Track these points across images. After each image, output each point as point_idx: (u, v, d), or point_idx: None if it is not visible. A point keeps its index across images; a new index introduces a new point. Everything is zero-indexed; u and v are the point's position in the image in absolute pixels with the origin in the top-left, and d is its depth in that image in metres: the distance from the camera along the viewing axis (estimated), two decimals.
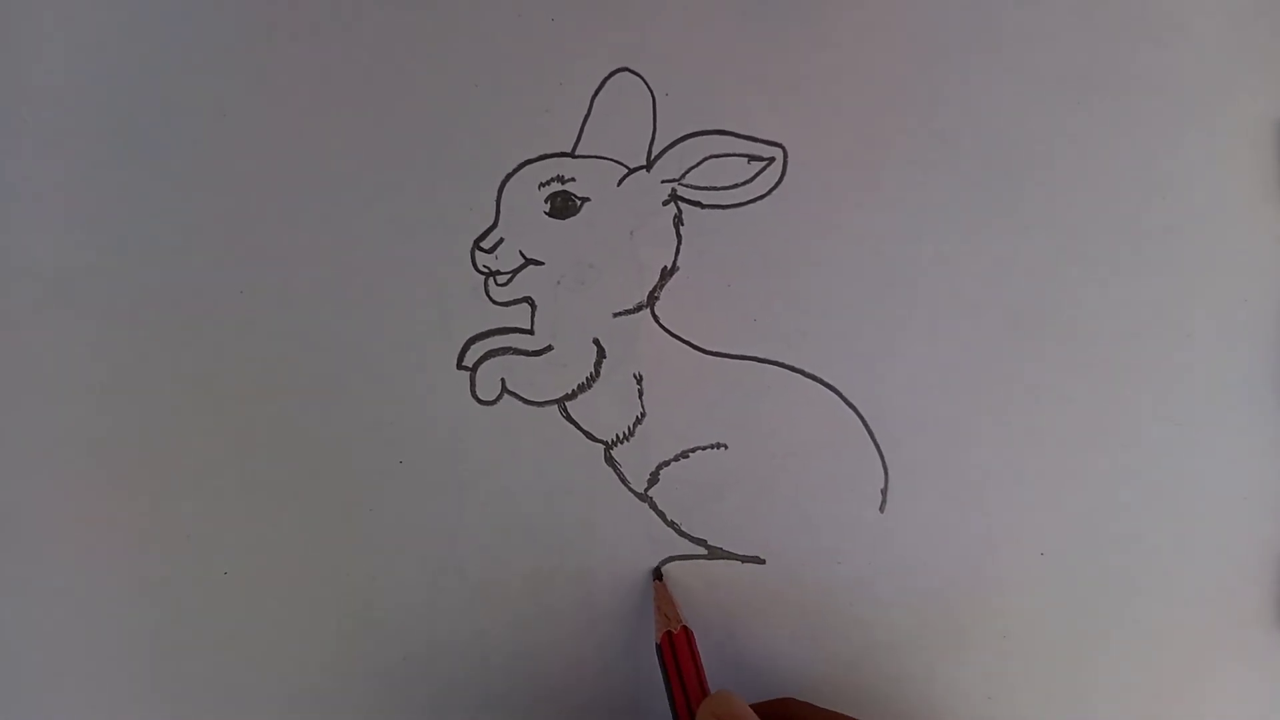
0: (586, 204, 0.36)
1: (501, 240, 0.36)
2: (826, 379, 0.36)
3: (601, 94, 0.36)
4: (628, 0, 0.36)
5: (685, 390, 0.36)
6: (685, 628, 0.33)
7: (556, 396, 0.36)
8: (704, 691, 0.33)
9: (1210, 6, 0.37)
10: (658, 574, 0.36)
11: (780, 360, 0.36)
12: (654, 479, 0.36)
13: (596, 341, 0.36)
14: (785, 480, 0.36)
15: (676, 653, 0.33)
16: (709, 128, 0.36)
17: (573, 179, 0.36)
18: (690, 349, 0.36)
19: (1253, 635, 0.37)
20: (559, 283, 0.36)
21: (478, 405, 0.36)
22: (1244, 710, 0.37)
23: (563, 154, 0.36)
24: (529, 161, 0.36)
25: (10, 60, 0.36)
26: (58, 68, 0.36)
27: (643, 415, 0.36)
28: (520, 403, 0.36)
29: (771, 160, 0.36)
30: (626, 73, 0.36)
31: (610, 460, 0.36)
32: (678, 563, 0.36)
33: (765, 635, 0.37)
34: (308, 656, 0.36)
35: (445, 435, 0.36)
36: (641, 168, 0.36)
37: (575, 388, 0.36)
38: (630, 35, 0.36)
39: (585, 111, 0.36)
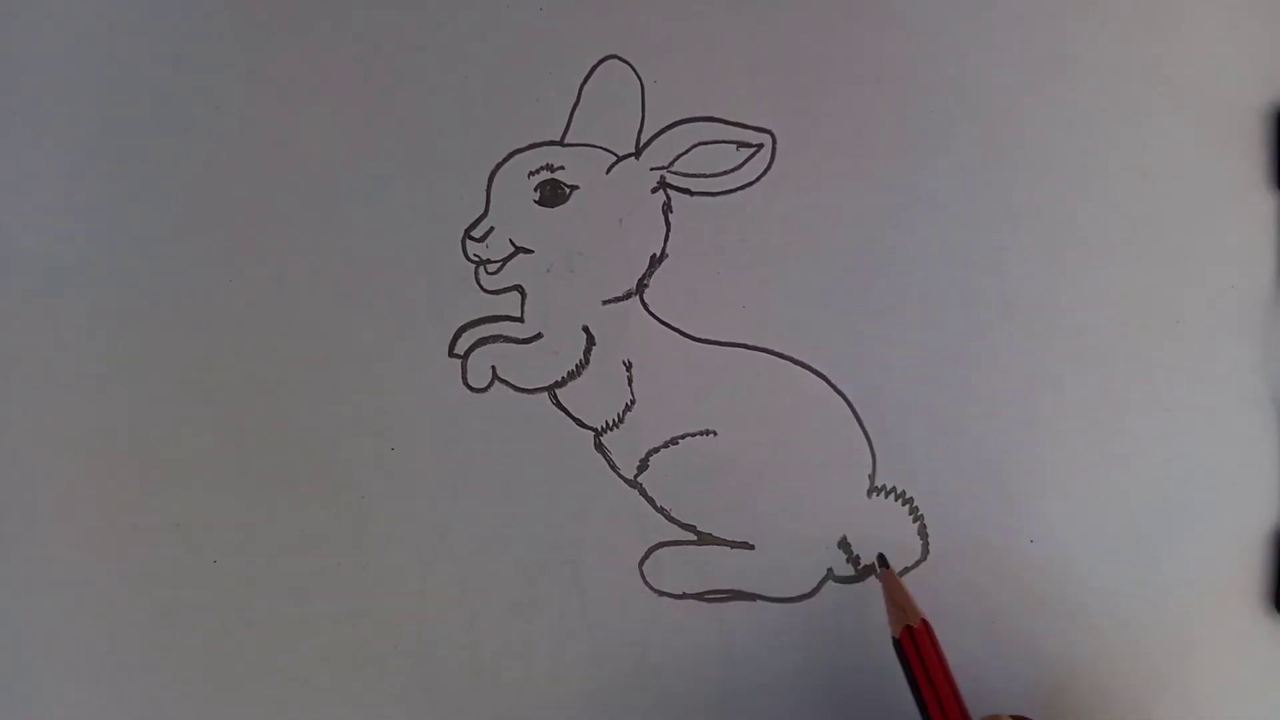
0: (576, 192, 0.36)
1: (492, 229, 0.36)
2: (816, 366, 0.36)
3: (590, 82, 0.36)
4: None
5: (674, 377, 0.36)
6: (924, 621, 0.32)
7: (546, 384, 0.36)
8: (952, 686, 0.31)
9: None
10: (883, 562, 0.36)
11: (769, 347, 0.36)
12: (644, 465, 0.36)
13: (586, 329, 0.36)
14: (774, 466, 0.36)
15: (920, 648, 0.31)
16: (697, 114, 0.36)
17: (562, 167, 0.36)
18: (679, 336, 0.36)
19: (1241, 622, 0.37)
20: (549, 271, 0.36)
21: (469, 393, 0.36)
22: (1232, 697, 0.37)
23: (552, 142, 0.36)
24: (518, 150, 0.36)
25: (1, 53, 0.36)
26: (49, 60, 0.36)
27: (632, 402, 0.36)
28: (511, 390, 0.36)
29: (760, 146, 0.36)
30: (615, 60, 0.36)
31: (600, 447, 0.36)
32: (667, 548, 0.37)
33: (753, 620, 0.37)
34: (298, 645, 0.36)
35: (437, 423, 0.36)
36: (630, 155, 0.36)
37: (565, 375, 0.36)
38: (619, 23, 0.36)
39: (574, 100, 0.36)
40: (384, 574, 0.36)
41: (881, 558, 0.36)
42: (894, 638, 0.32)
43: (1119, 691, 0.37)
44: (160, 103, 0.36)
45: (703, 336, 0.36)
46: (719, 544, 0.37)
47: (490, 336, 0.36)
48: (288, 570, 0.36)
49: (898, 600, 0.33)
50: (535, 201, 0.36)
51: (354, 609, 0.36)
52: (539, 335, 0.36)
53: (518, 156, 0.36)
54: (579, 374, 0.36)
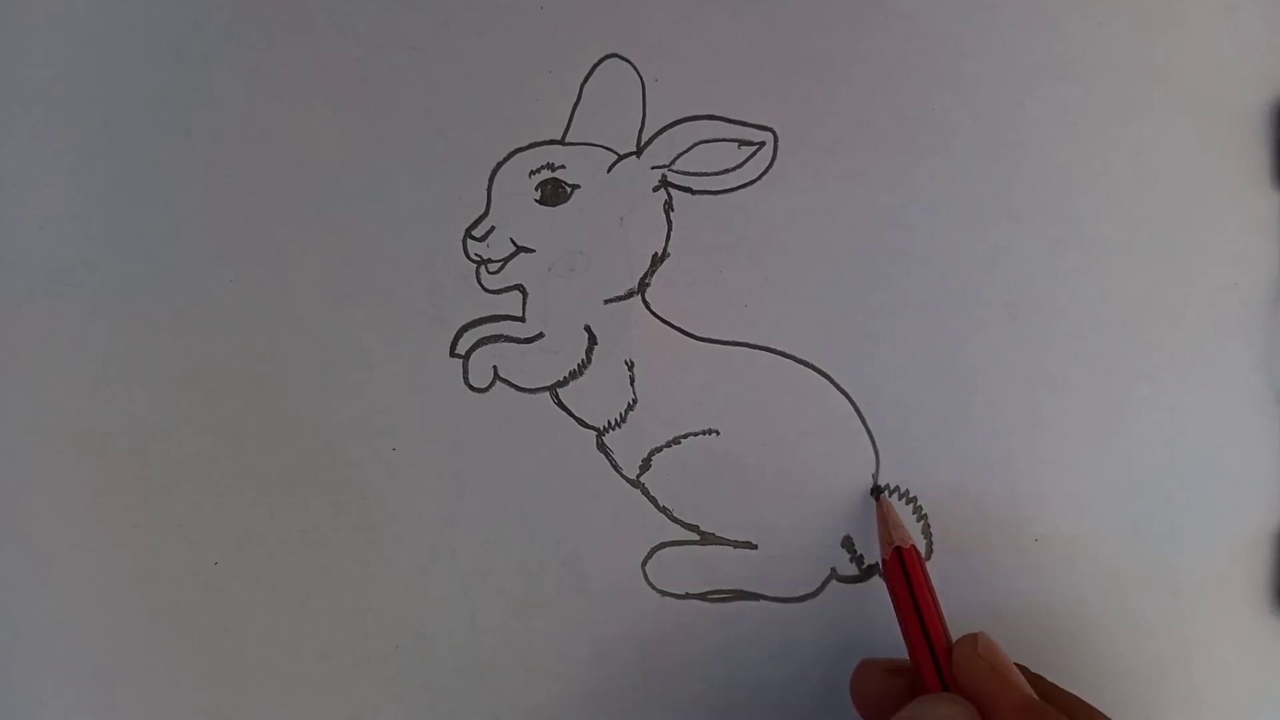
0: (577, 191, 0.36)
1: (493, 228, 0.36)
2: (818, 365, 0.37)
3: (591, 81, 0.36)
4: None
5: (677, 376, 0.36)
6: (914, 546, 0.33)
7: (548, 383, 0.36)
8: (938, 611, 0.31)
9: None
10: (879, 491, 0.36)
11: (771, 346, 0.36)
12: (646, 465, 0.36)
13: (588, 328, 0.36)
14: (776, 466, 0.36)
15: (908, 570, 0.32)
16: (699, 113, 0.36)
17: (563, 166, 0.36)
18: (681, 335, 0.36)
19: (1245, 620, 0.37)
20: (550, 270, 0.36)
21: (470, 393, 0.36)
22: (1235, 695, 0.37)
23: (553, 141, 0.36)
24: (519, 150, 0.36)
25: (1, 53, 0.36)
26: (49, 60, 0.36)
27: (634, 402, 0.36)
28: (512, 390, 0.36)
29: (761, 145, 0.36)
30: (616, 59, 0.36)
31: (602, 447, 0.36)
32: (669, 548, 0.36)
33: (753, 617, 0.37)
34: (299, 645, 0.36)
35: (438, 423, 0.36)
36: (631, 154, 0.36)
37: (567, 375, 0.36)
38: (620, 21, 0.36)
39: (575, 99, 0.36)
40: (385, 574, 0.36)
41: (877, 489, 0.36)
42: (882, 559, 0.33)
43: (1122, 689, 0.37)
44: (160, 103, 0.36)
45: (705, 335, 0.36)
46: (722, 544, 0.37)
47: (491, 336, 0.36)
48: (288, 570, 0.36)
49: (890, 526, 0.34)
50: (536, 201, 0.36)
51: (355, 608, 0.36)
52: (540, 335, 0.36)
53: (518, 155, 0.36)
54: (581, 373, 0.36)
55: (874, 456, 0.37)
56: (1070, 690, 0.31)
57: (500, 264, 0.36)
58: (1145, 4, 0.37)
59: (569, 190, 0.36)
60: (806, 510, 0.37)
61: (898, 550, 0.33)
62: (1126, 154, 0.37)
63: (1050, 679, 0.32)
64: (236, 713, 0.36)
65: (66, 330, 0.36)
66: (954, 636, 0.31)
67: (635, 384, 0.36)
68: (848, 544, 0.37)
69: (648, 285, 0.36)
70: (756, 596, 0.37)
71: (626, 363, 0.36)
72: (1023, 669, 0.31)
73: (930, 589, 0.32)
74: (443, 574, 0.36)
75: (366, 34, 0.36)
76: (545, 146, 0.36)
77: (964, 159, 0.37)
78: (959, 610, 0.36)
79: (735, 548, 0.37)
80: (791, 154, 0.36)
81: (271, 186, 0.36)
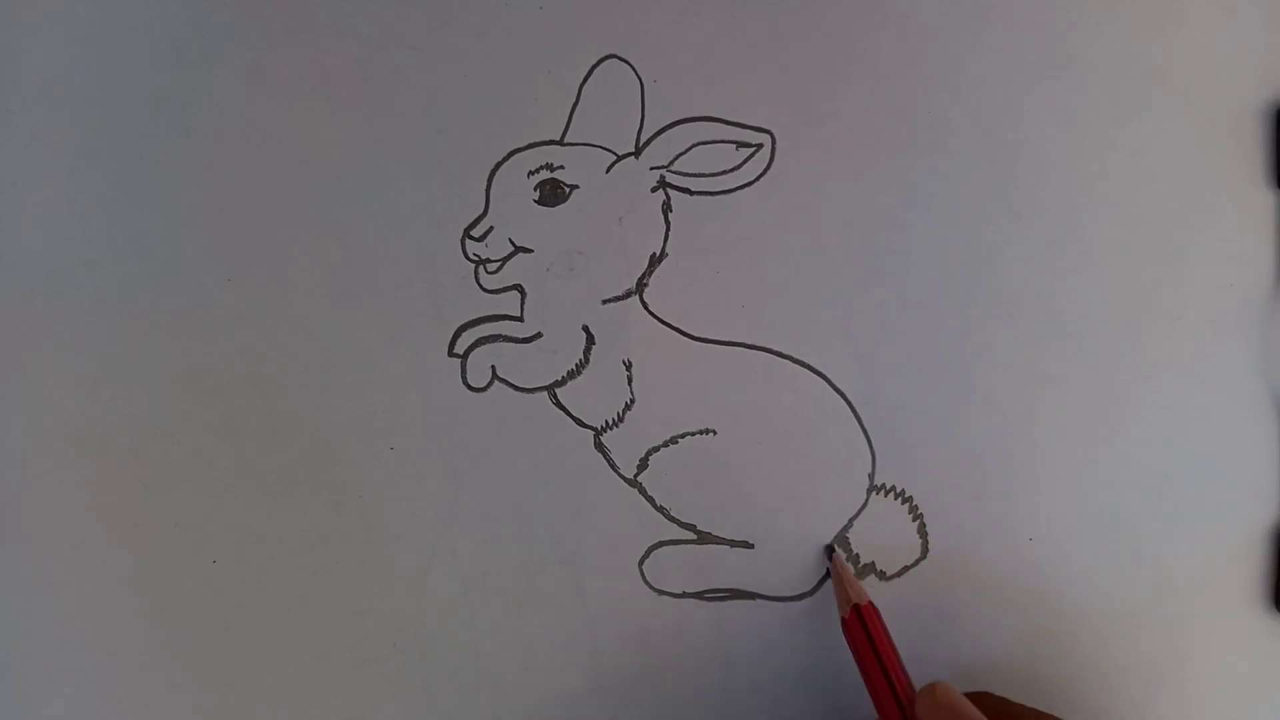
0: (575, 191, 0.36)
1: (491, 228, 0.36)
2: (815, 365, 0.37)
3: (590, 81, 0.36)
4: None
5: (674, 376, 0.36)
6: (870, 603, 0.33)
7: (546, 383, 0.36)
8: (900, 663, 0.32)
9: None
10: (831, 550, 0.36)
11: (769, 346, 0.37)
12: (643, 464, 0.36)
13: (586, 328, 0.36)
14: (773, 465, 0.37)
15: (869, 627, 0.32)
16: (697, 114, 0.36)
17: (561, 166, 0.36)
18: (679, 335, 0.36)
19: (1240, 618, 0.37)
20: (548, 270, 0.36)
21: (469, 392, 0.36)
22: (1231, 694, 0.37)
23: (552, 142, 0.36)
24: (518, 150, 0.36)
25: (1, 53, 0.36)
26: (49, 60, 0.36)
27: (632, 401, 0.36)
28: (511, 390, 0.36)
29: (759, 146, 0.36)
30: (615, 60, 0.36)
31: (600, 446, 0.36)
32: (667, 547, 0.37)
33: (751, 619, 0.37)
34: (298, 644, 0.36)
35: (436, 422, 0.36)
36: (630, 155, 0.36)
37: (565, 374, 0.36)
38: (619, 22, 0.36)
39: (574, 99, 0.36)
40: (384, 573, 0.36)
41: (830, 547, 0.36)
42: (842, 617, 0.34)
43: (1118, 689, 0.37)
44: (160, 103, 0.36)
45: (702, 336, 0.36)
46: (719, 543, 0.37)
47: (490, 336, 0.36)
48: (288, 570, 0.36)
49: (846, 584, 0.34)
50: (535, 201, 0.36)
51: (354, 608, 0.36)
52: (539, 334, 0.36)
53: (517, 156, 0.36)
54: (579, 373, 0.36)
55: (870, 456, 0.37)
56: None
57: (499, 264, 0.36)
58: (1144, 4, 0.37)
59: (568, 190, 0.36)
60: (803, 510, 0.37)
61: (856, 608, 0.33)
62: (1125, 154, 0.37)
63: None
64: (236, 713, 0.36)
65: (66, 330, 0.36)
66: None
67: (633, 384, 0.36)
68: (843, 543, 0.37)
69: (646, 285, 0.36)
70: (753, 595, 0.37)
71: (624, 363, 0.36)
72: (989, 698, 0.32)
73: (890, 642, 0.32)
74: (442, 573, 0.36)
75: (366, 34, 0.36)
76: (544, 147, 0.36)
77: (962, 159, 0.37)
78: (953, 611, 0.37)
79: (732, 547, 0.37)
80: (789, 154, 0.36)
81: (271, 186, 0.36)
